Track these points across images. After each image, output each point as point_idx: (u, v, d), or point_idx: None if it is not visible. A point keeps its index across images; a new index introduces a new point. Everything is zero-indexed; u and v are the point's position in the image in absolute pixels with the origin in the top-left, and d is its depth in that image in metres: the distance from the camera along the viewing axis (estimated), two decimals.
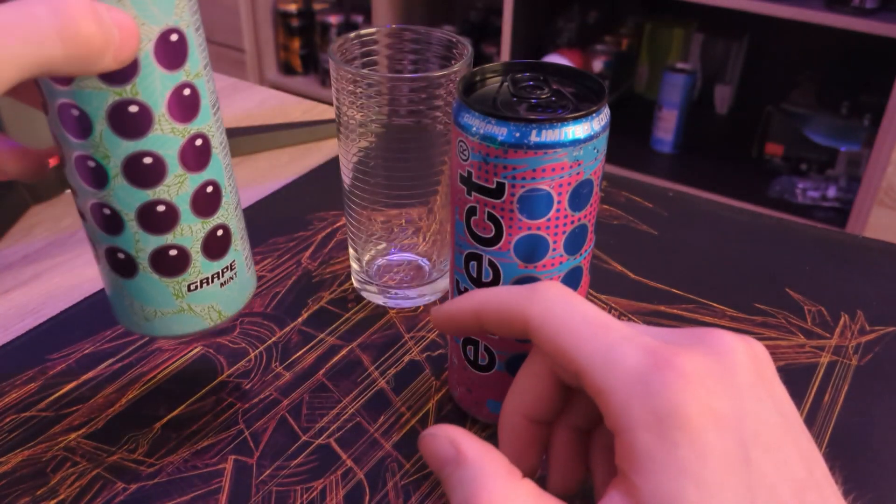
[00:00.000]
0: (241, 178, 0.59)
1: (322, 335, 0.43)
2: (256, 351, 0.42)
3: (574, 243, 0.32)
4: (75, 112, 0.28)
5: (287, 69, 2.23)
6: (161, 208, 0.30)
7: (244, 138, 0.63)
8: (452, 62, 0.40)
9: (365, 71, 0.41)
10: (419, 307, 0.45)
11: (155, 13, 0.28)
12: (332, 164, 0.60)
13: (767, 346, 0.42)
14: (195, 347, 0.42)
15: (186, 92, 0.30)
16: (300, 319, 0.44)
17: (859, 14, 1.43)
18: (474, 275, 0.33)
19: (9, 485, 0.34)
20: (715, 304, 0.45)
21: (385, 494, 0.34)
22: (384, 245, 0.45)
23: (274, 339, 0.42)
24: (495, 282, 0.32)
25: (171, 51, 0.28)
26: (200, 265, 0.32)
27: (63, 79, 0.28)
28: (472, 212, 0.32)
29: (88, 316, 0.44)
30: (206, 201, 0.32)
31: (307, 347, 0.42)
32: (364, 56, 0.42)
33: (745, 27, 1.80)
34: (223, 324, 0.35)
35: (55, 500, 0.33)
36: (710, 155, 1.80)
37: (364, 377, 0.40)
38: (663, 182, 1.69)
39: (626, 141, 1.83)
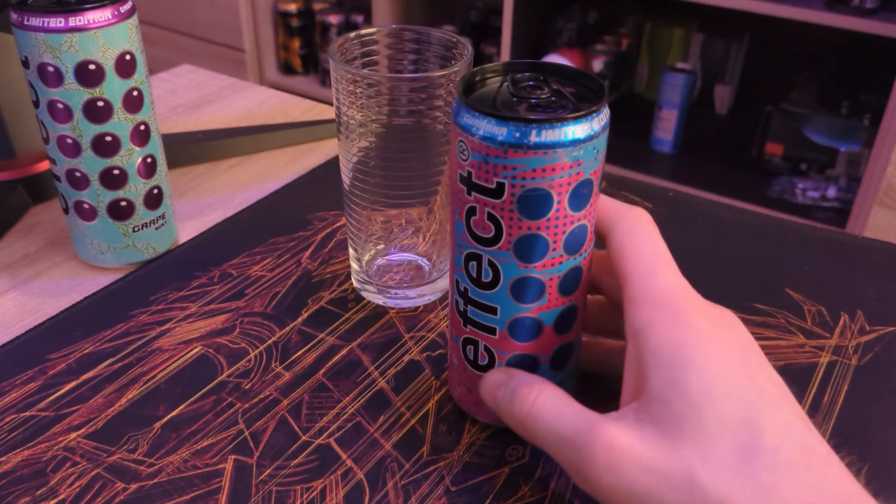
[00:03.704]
0: (242, 178, 0.59)
1: (322, 335, 0.43)
2: (256, 351, 0.42)
3: (574, 243, 0.32)
4: (60, 105, 0.43)
5: (287, 69, 2.23)
6: (116, 171, 0.45)
7: (244, 138, 0.63)
8: (452, 62, 0.40)
9: (365, 71, 0.41)
10: (419, 307, 0.45)
11: (116, 41, 0.42)
12: (332, 164, 0.60)
13: (767, 346, 0.42)
14: (195, 347, 0.42)
15: (135, 93, 0.44)
16: (300, 319, 0.44)
17: (859, 14, 1.43)
18: (474, 275, 0.33)
19: (9, 485, 0.34)
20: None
21: (385, 494, 0.34)
22: (384, 245, 0.45)
23: (274, 338, 0.42)
24: (495, 282, 0.32)
25: (126, 66, 0.43)
26: (142, 213, 0.47)
27: (53, 82, 0.42)
28: (471, 212, 0.31)
29: (88, 316, 0.44)
30: (146, 168, 0.46)
31: (307, 347, 0.42)
32: (364, 56, 0.42)
33: (745, 27, 1.80)
34: (155, 259, 0.49)
35: (55, 500, 0.33)
36: (710, 155, 1.79)
37: (364, 377, 0.40)
38: (663, 182, 1.69)
39: (626, 141, 1.82)
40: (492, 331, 0.34)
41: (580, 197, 0.31)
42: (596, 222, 0.33)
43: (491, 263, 0.32)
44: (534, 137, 0.29)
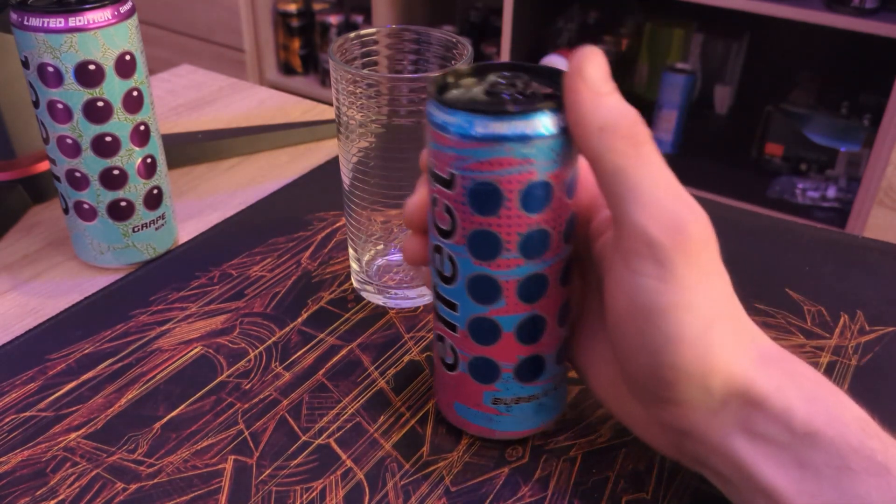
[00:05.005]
0: (242, 178, 0.59)
1: (322, 335, 0.43)
2: (256, 351, 0.42)
3: (531, 247, 0.31)
4: (60, 106, 0.43)
5: (287, 69, 2.23)
6: (116, 172, 0.45)
7: (244, 138, 0.63)
8: (452, 62, 0.40)
9: (365, 71, 0.41)
10: (419, 307, 0.45)
11: (116, 41, 0.42)
12: (332, 164, 0.60)
13: None
14: (195, 347, 0.42)
15: (135, 93, 0.44)
16: (300, 319, 0.44)
17: (859, 14, 1.43)
18: (439, 267, 0.33)
19: (9, 485, 0.34)
20: None
21: (385, 494, 0.34)
22: (384, 245, 0.45)
23: (274, 339, 0.42)
24: (454, 277, 0.32)
25: (126, 66, 0.43)
26: (142, 213, 0.47)
27: (53, 82, 0.42)
28: (434, 202, 0.32)
29: (88, 316, 0.44)
30: (146, 168, 0.46)
31: (307, 347, 0.42)
32: (364, 56, 0.42)
33: (745, 27, 1.80)
34: (155, 259, 0.49)
35: (55, 500, 0.33)
36: (710, 155, 1.79)
37: (364, 377, 0.40)
38: None
39: None
40: (453, 328, 0.33)
41: (534, 199, 0.30)
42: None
43: (450, 257, 0.32)
44: (479, 128, 0.29)
